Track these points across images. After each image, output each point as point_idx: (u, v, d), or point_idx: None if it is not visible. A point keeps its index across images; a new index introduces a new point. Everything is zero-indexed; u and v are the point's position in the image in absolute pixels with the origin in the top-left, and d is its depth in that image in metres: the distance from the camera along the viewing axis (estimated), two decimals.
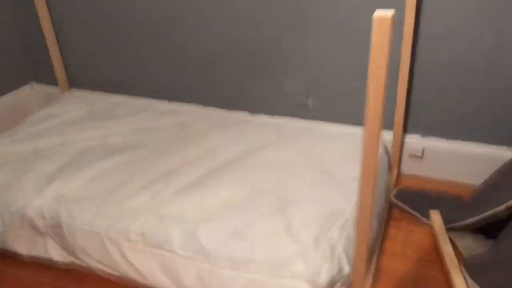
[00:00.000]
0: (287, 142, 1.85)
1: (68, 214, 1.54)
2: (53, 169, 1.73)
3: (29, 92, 2.49)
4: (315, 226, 1.41)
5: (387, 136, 1.92)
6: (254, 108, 2.11)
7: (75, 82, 2.39)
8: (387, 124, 1.92)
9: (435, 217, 1.67)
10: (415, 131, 1.93)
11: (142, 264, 1.44)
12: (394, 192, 1.83)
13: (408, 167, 1.99)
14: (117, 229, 1.47)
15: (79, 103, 2.22)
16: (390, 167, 1.89)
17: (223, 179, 1.64)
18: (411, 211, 1.74)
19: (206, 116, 2.10)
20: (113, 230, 1.48)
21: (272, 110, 2.08)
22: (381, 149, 1.82)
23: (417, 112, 1.89)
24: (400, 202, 1.78)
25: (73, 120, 2.09)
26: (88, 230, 1.50)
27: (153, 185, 1.61)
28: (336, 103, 1.96)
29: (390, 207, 1.81)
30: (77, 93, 2.36)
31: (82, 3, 2.16)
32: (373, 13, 0.88)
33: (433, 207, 1.71)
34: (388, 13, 0.89)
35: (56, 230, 1.56)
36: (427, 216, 1.70)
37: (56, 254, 1.59)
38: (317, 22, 1.84)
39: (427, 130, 1.91)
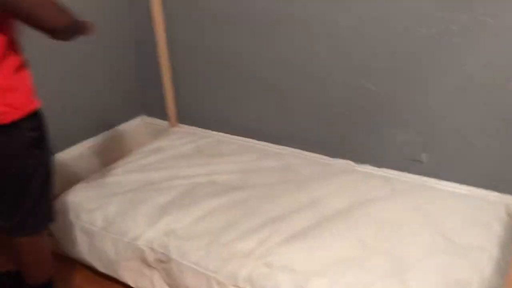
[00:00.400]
0: (399, 198, 1.76)
1: (177, 251, 1.56)
2: (164, 202, 1.77)
3: (139, 124, 2.63)
4: None
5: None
6: (358, 157, 2.05)
7: (184, 117, 2.48)
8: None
9: None
10: None
11: None
12: None
13: None
14: (225, 273, 1.46)
15: (186, 138, 2.30)
16: None
17: (332, 231, 1.58)
18: None
19: (310, 162, 2.07)
20: (221, 273, 1.47)
21: (379, 161, 2.01)
22: (505, 214, 1.68)
23: None
24: None
25: (182, 154, 2.15)
26: (196, 270, 1.51)
27: (261, 229, 1.60)
28: (455, 161, 1.85)
29: None
30: (185, 129, 2.45)
31: (200, 49, 2.27)
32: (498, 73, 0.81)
33: None
34: None
35: (164, 265, 1.58)
36: None
37: None
38: (442, 74, 1.76)
39: None
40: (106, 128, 2.45)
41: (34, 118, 1.32)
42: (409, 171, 1.95)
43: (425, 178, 1.91)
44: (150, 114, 2.62)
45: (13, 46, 1.27)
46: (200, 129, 2.43)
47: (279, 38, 2.05)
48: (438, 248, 1.49)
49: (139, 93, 2.58)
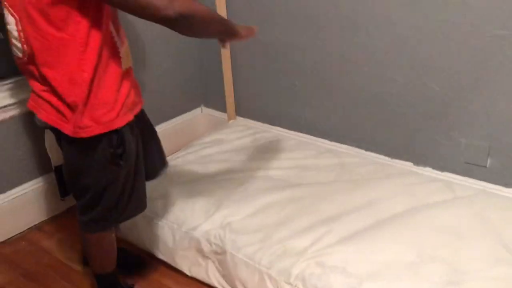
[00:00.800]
0: (460, 204, 1.71)
1: (233, 244, 1.60)
2: (221, 195, 1.82)
3: (199, 115, 2.70)
4: None
5: None
6: (419, 159, 2.00)
7: (242, 110, 2.52)
8: None
9: None
10: None
11: None
12: None
13: None
14: (278, 269, 1.49)
15: (244, 131, 2.34)
16: None
17: (389, 235, 1.56)
18: None
19: (367, 161, 2.04)
20: (274, 269, 1.50)
21: (440, 165, 1.95)
22: None
23: None
24: None
25: (239, 147, 2.19)
26: (250, 264, 1.54)
27: (315, 228, 1.60)
28: None
29: None
30: (243, 121, 2.49)
31: (260, 44, 2.28)
32: None
33: None
34: None
35: (219, 257, 1.63)
36: None
37: (215, 280, 1.66)
38: (508, 75, 1.68)
39: None
40: (167, 118, 2.53)
41: (117, 134, 1.30)
42: (473, 176, 1.88)
43: (489, 185, 1.83)
44: (210, 105, 2.68)
45: (114, 48, 1.25)
46: (258, 122, 2.46)
47: (339, 34, 2.02)
48: (499, 259, 1.44)
49: (200, 85, 2.64)
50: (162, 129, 2.49)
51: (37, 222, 2.09)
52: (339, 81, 2.12)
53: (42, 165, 2.07)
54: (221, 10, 2.28)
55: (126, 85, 1.31)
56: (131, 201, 1.46)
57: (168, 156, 2.16)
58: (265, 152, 2.14)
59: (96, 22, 1.18)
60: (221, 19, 1.38)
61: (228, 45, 1.46)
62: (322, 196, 1.78)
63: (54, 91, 1.24)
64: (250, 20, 2.27)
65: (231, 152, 2.16)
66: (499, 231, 1.56)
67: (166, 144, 2.44)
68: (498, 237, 1.53)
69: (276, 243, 1.56)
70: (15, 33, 1.22)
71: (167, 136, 2.50)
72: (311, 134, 2.28)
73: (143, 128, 1.46)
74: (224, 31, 1.34)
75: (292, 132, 2.33)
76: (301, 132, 2.31)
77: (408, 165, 2.02)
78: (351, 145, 2.17)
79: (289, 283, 1.45)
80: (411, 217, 1.64)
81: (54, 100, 1.26)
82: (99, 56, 1.21)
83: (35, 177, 2.07)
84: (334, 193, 1.80)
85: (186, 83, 2.58)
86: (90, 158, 1.32)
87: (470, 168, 1.88)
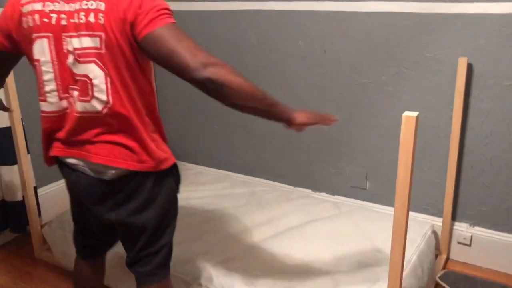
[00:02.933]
0: (343, 218, 2.10)
1: None
2: None
3: None
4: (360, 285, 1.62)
5: (438, 223, 2.10)
6: (316, 186, 2.40)
7: None
8: (438, 211, 2.12)
9: None
10: (463, 220, 2.09)
11: None
12: (440, 273, 1.97)
13: (457, 254, 2.13)
14: (190, 272, 1.77)
15: None
16: (436, 250, 2.04)
17: (283, 242, 1.90)
18: None
19: (274, 189, 2.42)
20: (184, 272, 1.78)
21: (332, 189, 2.36)
22: (429, 232, 2.00)
23: (465, 203, 2.07)
24: (445, 283, 1.92)
25: None
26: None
27: (225, 241, 1.92)
28: (391, 188, 2.20)
29: (435, 287, 1.95)
30: None
31: (183, 90, 2.68)
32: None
33: None
34: (414, 114, 1.18)
35: None
36: None
37: None
38: (379, 115, 2.15)
39: (475, 220, 2.07)
40: None
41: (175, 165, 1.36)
42: (356, 198, 2.30)
43: (368, 203, 2.25)
44: None
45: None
46: (184, 162, 2.79)
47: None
48: (367, 256, 1.81)
49: None
50: None
51: None
52: (250, 124, 2.52)
53: None
54: None
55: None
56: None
57: None
58: (187, 186, 2.46)
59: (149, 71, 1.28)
60: (264, 98, 1.28)
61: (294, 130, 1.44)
62: (231, 217, 2.11)
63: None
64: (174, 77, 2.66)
65: None
66: (370, 235, 1.95)
67: None
68: (369, 239, 1.92)
69: (184, 252, 1.86)
70: (103, 86, 1.17)
71: None
72: (228, 170, 2.64)
73: None
74: (265, 111, 1.32)
75: (212, 169, 2.69)
76: (220, 168, 2.67)
77: (307, 191, 2.42)
78: (261, 178, 2.55)
79: (200, 285, 1.74)
80: (302, 229, 2.00)
81: (129, 142, 1.23)
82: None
83: None
84: (242, 214, 2.14)
85: None
86: (166, 191, 1.33)
87: (354, 191, 2.30)
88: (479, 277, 1.96)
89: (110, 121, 1.21)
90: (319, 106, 2.28)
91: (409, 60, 2.01)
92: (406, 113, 1.18)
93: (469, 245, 2.09)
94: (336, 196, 2.35)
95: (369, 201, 2.27)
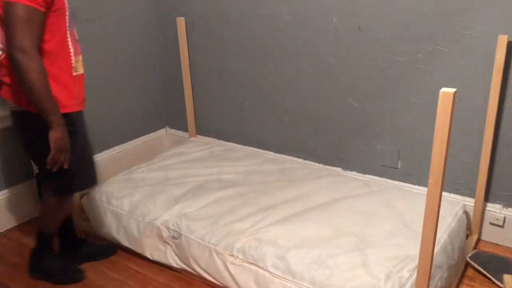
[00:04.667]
0: (373, 196, 2.10)
1: (187, 228, 1.94)
2: (179, 193, 2.16)
3: (164, 134, 3.06)
4: (388, 265, 1.63)
5: (470, 203, 2.09)
6: (346, 164, 2.41)
7: (201, 129, 2.90)
8: (470, 192, 2.10)
9: (509, 281, 1.78)
10: (496, 201, 2.07)
11: (240, 276, 1.77)
12: (470, 253, 1.96)
13: (489, 235, 2.11)
14: (223, 245, 1.83)
15: (202, 146, 2.71)
16: (468, 230, 2.03)
17: (313, 218, 1.93)
18: (485, 272, 1.87)
19: (304, 167, 2.44)
20: (220, 245, 1.83)
21: (363, 168, 2.36)
22: (461, 212, 1.99)
23: (499, 183, 2.04)
24: (475, 263, 1.91)
25: (197, 158, 2.56)
26: (200, 243, 1.88)
27: (255, 215, 1.96)
28: (423, 167, 2.19)
29: (466, 267, 1.95)
30: (202, 139, 2.86)
31: (216, 71, 2.70)
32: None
33: (508, 272, 1.82)
34: (451, 90, 1.17)
35: (176, 241, 1.96)
36: (501, 279, 1.82)
37: (172, 260, 1.98)
38: (412, 93, 2.13)
39: (509, 201, 2.04)
40: (136, 136, 2.89)
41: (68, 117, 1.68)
42: (387, 177, 2.30)
43: (399, 183, 2.25)
44: (173, 126, 3.06)
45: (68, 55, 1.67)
46: (214, 139, 2.84)
47: (280, 63, 2.46)
48: (398, 233, 1.82)
49: (164, 108, 3.03)
50: (131, 146, 2.85)
51: (16, 224, 2.37)
52: (281, 102, 2.53)
53: (15, 175, 2.37)
54: (183, 46, 2.70)
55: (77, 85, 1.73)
56: (85, 173, 1.83)
57: (134, 166, 2.52)
58: (219, 161, 2.51)
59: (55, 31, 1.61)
60: (47, 98, 1.57)
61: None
62: (263, 192, 2.15)
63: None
64: (207, 49, 2.69)
65: (189, 161, 2.52)
66: (401, 213, 1.95)
67: (135, 159, 2.81)
68: (400, 218, 1.93)
69: (223, 227, 1.91)
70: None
71: (136, 152, 2.87)
72: (259, 147, 2.67)
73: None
74: (41, 108, 1.57)
75: (243, 146, 2.72)
76: (251, 146, 2.70)
77: (337, 170, 2.43)
78: (292, 155, 2.57)
79: (232, 255, 1.79)
80: (332, 205, 2.02)
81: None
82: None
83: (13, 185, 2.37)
84: (273, 190, 2.17)
85: (152, 107, 2.96)
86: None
87: (385, 170, 2.30)
88: (510, 258, 1.95)
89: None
90: (352, 84, 2.27)
91: (445, 37, 1.97)
92: (444, 89, 1.18)
93: (502, 226, 2.07)
94: (367, 175, 2.35)
95: (400, 180, 2.26)
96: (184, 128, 2.95)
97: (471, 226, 2.10)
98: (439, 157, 1.24)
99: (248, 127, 2.71)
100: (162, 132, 3.06)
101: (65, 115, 1.66)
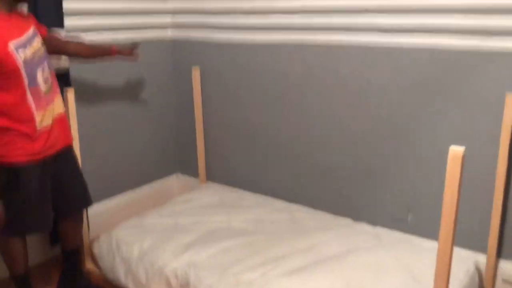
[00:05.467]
0: (383, 249, 2.09)
1: (196, 277, 1.93)
2: (188, 241, 2.17)
3: (175, 180, 3.10)
4: None
5: (482, 259, 2.06)
6: (356, 215, 2.41)
7: (212, 176, 2.94)
8: (482, 248, 2.08)
9: None
10: (510, 258, 2.04)
11: None
12: None
13: None
14: None
15: (213, 193, 2.73)
16: (480, 286, 2.00)
17: (324, 270, 1.92)
18: None
19: (315, 217, 2.43)
20: None
21: (373, 220, 2.36)
22: (472, 268, 1.97)
23: (511, 240, 2.02)
24: None
25: (207, 205, 2.57)
26: None
27: (265, 265, 1.95)
28: (434, 221, 2.18)
29: None
30: (212, 185, 2.89)
31: (228, 119, 2.77)
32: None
33: None
34: (461, 148, 1.20)
35: None
36: None
37: None
38: (420, 147, 2.16)
39: None
40: (147, 182, 2.93)
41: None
42: (397, 229, 2.29)
43: (409, 236, 2.23)
44: (185, 172, 3.09)
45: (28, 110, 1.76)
46: (225, 186, 2.86)
47: (293, 115, 2.52)
48: (408, 286, 1.80)
49: (176, 154, 3.08)
50: (143, 191, 2.89)
51: None
52: (292, 152, 2.57)
53: None
54: (197, 94, 2.78)
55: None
56: (31, 217, 1.86)
57: (144, 212, 2.54)
58: (229, 208, 2.52)
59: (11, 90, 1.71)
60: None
61: None
62: (273, 241, 2.15)
63: None
64: (220, 98, 2.77)
65: (200, 208, 2.53)
66: (411, 268, 1.93)
67: (146, 204, 2.84)
68: (410, 272, 1.90)
69: (231, 276, 1.90)
70: None
71: (147, 197, 2.90)
72: (269, 195, 2.69)
73: (61, 169, 1.93)
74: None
75: (253, 193, 2.74)
76: (261, 193, 2.72)
77: (348, 220, 2.42)
78: (302, 204, 2.58)
79: None
80: (342, 258, 2.01)
81: None
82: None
83: None
84: (283, 239, 2.17)
85: (164, 153, 3.01)
86: None
87: (395, 222, 2.29)
88: None
89: None
90: (362, 135, 2.30)
91: (454, 93, 2.02)
92: (453, 147, 1.21)
93: None
94: (377, 227, 2.34)
95: (411, 233, 2.25)
96: (195, 174, 2.99)
97: (483, 283, 2.07)
98: (449, 214, 1.26)
99: (259, 175, 2.74)
100: (173, 177, 3.10)
101: (6, 165, 1.75)
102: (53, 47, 1.98)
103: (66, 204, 2.02)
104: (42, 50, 1.83)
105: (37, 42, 1.80)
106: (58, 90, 1.92)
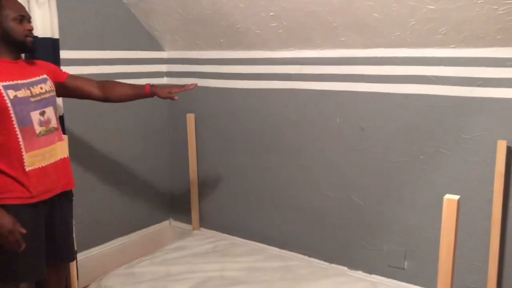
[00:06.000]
0: None
1: None
2: None
3: (167, 226, 3.05)
4: None
5: None
6: (352, 263, 2.36)
7: (205, 222, 2.89)
8: None
9: None
10: None
11: None
12: None
13: None
14: None
15: (205, 240, 2.68)
16: None
17: None
18: None
19: (309, 265, 2.38)
20: None
21: (369, 268, 2.31)
22: None
23: (510, 284, 1.98)
24: None
25: (199, 253, 2.52)
26: None
27: None
28: (432, 268, 2.14)
29: None
30: (205, 232, 2.84)
31: (221, 167, 2.76)
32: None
33: None
34: (455, 197, 1.20)
35: None
36: None
37: None
38: (417, 194, 2.15)
39: None
40: (139, 228, 2.88)
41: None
42: (394, 278, 2.24)
43: (405, 284, 2.19)
44: (177, 218, 3.05)
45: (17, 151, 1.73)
46: (218, 232, 2.82)
47: (285, 160, 2.52)
48: None
49: (169, 200, 3.05)
50: (134, 238, 2.83)
51: None
52: (285, 197, 2.55)
53: None
54: (191, 140, 2.79)
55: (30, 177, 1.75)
56: (23, 264, 1.77)
57: (135, 260, 2.48)
58: (222, 256, 2.47)
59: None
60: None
61: None
62: None
63: None
64: (215, 144, 2.77)
65: (192, 256, 2.47)
66: None
67: (138, 251, 2.78)
68: None
69: None
70: None
71: (139, 244, 2.85)
72: (263, 242, 2.64)
73: (56, 214, 1.88)
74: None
75: (247, 240, 2.69)
76: (254, 240, 2.67)
77: (343, 269, 2.37)
78: (296, 252, 2.53)
79: None
80: None
81: None
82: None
83: None
84: None
85: (157, 199, 2.98)
86: None
87: (392, 270, 2.25)
88: None
89: None
90: (356, 182, 2.30)
91: (447, 140, 2.04)
92: (448, 196, 1.21)
93: None
94: (373, 275, 2.29)
95: (407, 281, 2.20)
96: (188, 221, 2.94)
97: None
98: (446, 262, 1.24)
99: (252, 222, 2.70)
100: (165, 224, 3.05)
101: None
102: (76, 88, 1.99)
103: (54, 252, 1.96)
104: (48, 95, 1.83)
105: (43, 87, 1.82)
106: (62, 136, 1.91)
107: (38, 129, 1.78)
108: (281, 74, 2.47)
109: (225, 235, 2.79)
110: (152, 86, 2.06)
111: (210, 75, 2.75)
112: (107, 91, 2.04)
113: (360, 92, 2.23)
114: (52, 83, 1.87)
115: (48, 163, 1.81)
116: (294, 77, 2.42)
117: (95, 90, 2.02)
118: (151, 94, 2.06)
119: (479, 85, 1.94)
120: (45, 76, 1.86)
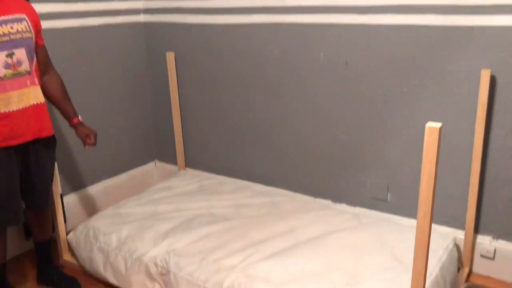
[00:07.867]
0: (363, 229, 2.09)
1: (175, 265, 1.90)
2: (167, 228, 2.13)
3: (153, 168, 3.05)
4: None
5: (460, 236, 2.08)
6: (337, 197, 2.41)
7: (190, 162, 2.89)
8: (461, 224, 2.10)
9: None
10: (486, 233, 2.07)
11: None
12: (462, 287, 1.95)
13: (480, 268, 2.10)
14: (213, 282, 1.79)
15: (192, 179, 2.69)
16: (459, 262, 2.03)
17: (305, 252, 1.91)
18: None
19: (294, 200, 2.43)
20: (210, 282, 1.80)
21: (353, 201, 2.36)
22: (451, 245, 1.99)
23: (488, 216, 2.05)
24: None
25: (186, 192, 2.54)
26: (190, 280, 1.84)
27: (245, 250, 1.94)
28: (413, 199, 2.19)
29: None
30: (191, 172, 2.85)
31: (205, 105, 2.72)
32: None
33: None
34: (437, 124, 1.19)
35: (164, 277, 1.92)
36: None
37: None
38: (398, 126, 2.15)
39: (499, 233, 2.04)
40: (125, 170, 2.87)
41: None
42: (377, 209, 2.30)
43: (389, 215, 2.24)
44: (162, 159, 3.04)
45: None
46: (204, 172, 2.83)
47: (268, 98, 2.48)
48: (389, 267, 1.81)
49: (154, 141, 3.02)
50: (120, 180, 2.83)
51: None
52: (270, 135, 2.55)
53: None
54: (172, 80, 2.72)
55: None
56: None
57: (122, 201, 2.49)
58: (209, 194, 2.49)
59: None
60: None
61: None
62: (253, 226, 2.13)
63: None
64: (196, 83, 2.72)
65: (179, 195, 2.49)
66: (392, 247, 1.94)
67: (124, 192, 2.79)
68: (390, 252, 1.91)
69: (212, 263, 1.88)
70: None
71: (125, 186, 2.85)
72: (248, 180, 2.66)
73: (29, 162, 1.83)
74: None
75: (233, 179, 2.71)
76: (240, 178, 2.69)
77: (328, 202, 2.42)
78: (281, 188, 2.56)
79: None
80: (323, 239, 2.01)
81: None
82: None
83: None
84: (263, 224, 2.15)
85: (141, 141, 2.95)
86: None
87: (375, 202, 2.30)
88: None
89: None
90: (340, 117, 2.29)
91: (431, 72, 2.01)
92: (429, 124, 1.20)
93: (493, 259, 2.06)
94: (356, 208, 2.34)
95: (390, 212, 2.26)
96: (174, 161, 2.94)
97: (462, 259, 2.10)
98: (427, 191, 1.25)
99: (238, 160, 2.71)
100: (151, 165, 3.05)
101: None
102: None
103: (30, 199, 1.95)
104: (20, 35, 1.72)
105: (14, 26, 1.70)
106: (36, 81, 1.83)
107: (2, 71, 1.70)
108: (262, 7, 2.38)
109: (211, 174, 2.80)
110: (80, 123, 2.05)
111: (188, 10, 2.64)
112: (46, 86, 1.94)
113: (344, 25, 2.17)
114: (30, 26, 1.76)
115: (16, 109, 1.75)
116: (276, 10, 2.34)
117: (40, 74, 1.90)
118: (73, 125, 2.04)
119: (465, 13, 1.89)
120: (23, 16, 1.74)
